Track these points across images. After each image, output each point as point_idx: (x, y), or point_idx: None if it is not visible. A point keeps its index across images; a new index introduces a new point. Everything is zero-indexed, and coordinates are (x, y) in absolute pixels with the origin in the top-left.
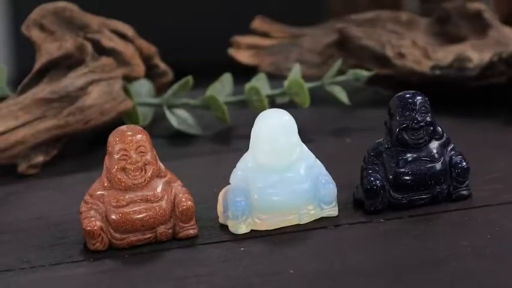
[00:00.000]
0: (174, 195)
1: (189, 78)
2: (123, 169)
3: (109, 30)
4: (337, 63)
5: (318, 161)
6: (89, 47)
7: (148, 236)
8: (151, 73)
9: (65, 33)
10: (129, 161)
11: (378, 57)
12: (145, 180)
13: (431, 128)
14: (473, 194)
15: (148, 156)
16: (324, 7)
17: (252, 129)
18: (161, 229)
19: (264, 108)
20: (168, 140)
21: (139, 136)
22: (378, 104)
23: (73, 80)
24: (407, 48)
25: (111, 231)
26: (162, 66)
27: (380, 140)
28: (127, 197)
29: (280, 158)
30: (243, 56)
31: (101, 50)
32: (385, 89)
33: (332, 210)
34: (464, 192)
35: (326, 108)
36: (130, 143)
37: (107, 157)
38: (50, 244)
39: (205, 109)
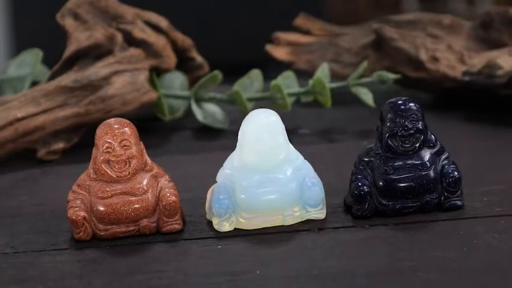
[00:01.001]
0: (159, 189)
1: (217, 73)
2: (107, 161)
3: (143, 22)
4: (363, 65)
5: (307, 162)
6: (119, 37)
7: (132, 228)
8: (187, 66)
9: (98, 23)
10: (113, 153)
11: (412, 60)
12: (129, 173)
13: (421, 135)
14: (468, 204)
15: (132, 150)
16: (324, 6)
17: (240, 128)
18: (144, 222)
19: (286, 107)
20: (196, 133)
21: (124, 130)
22: None
23: (97, 69)
24: (441, 53)
25: (95, 221)
26: (199, 59)
27: (371, 146)
28: (111, 188)
29: (266, 158)
30: (280, 53)
31: (132, 41)
32: (419, 92)
33: (318, 213)
34: (457, 203)
35: (355, 109)
36: (114, 136)
37: (94, 149)
38: (39, 231)
39: (231, 104)
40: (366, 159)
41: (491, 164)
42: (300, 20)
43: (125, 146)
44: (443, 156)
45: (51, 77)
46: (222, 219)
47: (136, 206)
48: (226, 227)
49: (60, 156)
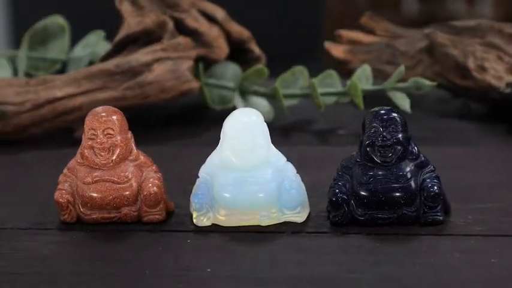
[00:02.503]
0: (143, 179)
1: (262, 67)
2: (92, 148)
3: (198, 11)
4: (400, 69)
5: (290, 164)
6: (169, 24)
7: (113, 215)
8: (244, 58)
9: (153, 10)
10: (96, 140)
11: (460, 68)
12: (112, 161)
13: (401, 147)
14: (451, 220)
15: (116, 139)
16: (324, 6)
17: (222, 125)
18: (125, 210)
19: (319, 106)
20: None
21: (110, 118)
22: (455, 116)
23: (140, 55)
24: (490, 62)
25: (80, 205)
26: (257, 51)
27: (354, 153)
28: (95, 174)
29: (244, 157)
30: (338, 51)
31: (184, 30)
32: (469, 101)
33: (295, 217)
34: (437, 218)
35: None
36: (99, 124)
37: (83, 134)
38: (31, 209)
39: (272, 98)
40: (347, 167)
41: (506, 181)
42: (365, 19)
43: (108, 134)
44: (426, 170)
45: (103, 60)
46: (199, 214)
47: (118, 193)
48: (204, 221)
49: None
